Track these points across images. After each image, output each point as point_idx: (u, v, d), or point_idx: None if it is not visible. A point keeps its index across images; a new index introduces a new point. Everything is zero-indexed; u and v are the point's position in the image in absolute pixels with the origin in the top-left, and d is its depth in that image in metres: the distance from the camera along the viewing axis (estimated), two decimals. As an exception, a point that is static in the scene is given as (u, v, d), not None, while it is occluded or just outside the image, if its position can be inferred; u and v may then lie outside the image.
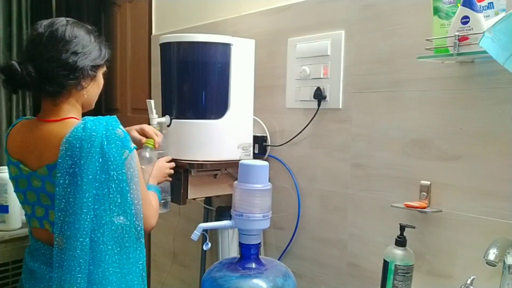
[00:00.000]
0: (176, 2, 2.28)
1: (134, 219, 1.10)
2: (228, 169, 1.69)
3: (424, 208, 1.23)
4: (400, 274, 1.21)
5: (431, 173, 1.26)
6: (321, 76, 1.52)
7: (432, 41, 1.14)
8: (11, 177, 1.18)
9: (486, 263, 1.00)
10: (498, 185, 1.13)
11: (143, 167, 1.32)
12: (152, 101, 1.55)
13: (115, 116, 1.11)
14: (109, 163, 1.05)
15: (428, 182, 1.26)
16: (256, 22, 1.77)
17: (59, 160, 1.04)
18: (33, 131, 1.13)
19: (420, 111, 1.28)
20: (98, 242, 1.05)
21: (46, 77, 1.07)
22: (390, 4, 1.34)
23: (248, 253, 1.41)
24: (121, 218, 1.07)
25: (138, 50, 2.55)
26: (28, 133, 1.15)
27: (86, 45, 1.12)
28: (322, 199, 1.56)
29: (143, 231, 1.13)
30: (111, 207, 1.06)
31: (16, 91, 1.13)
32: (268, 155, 1.73)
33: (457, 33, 1.05)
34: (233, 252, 1.76)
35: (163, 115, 1.62)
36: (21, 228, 1.91)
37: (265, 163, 1.43)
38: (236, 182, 1.42)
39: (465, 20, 1.04)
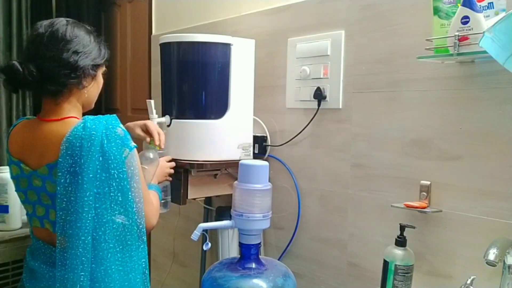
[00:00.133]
0: (176, 2, 2.28)
1: (136, 217, 1.10)
2: (228, 169, 1.69)
3: (424, 208, 1.23)
4: (400, 274, 1.21)
5: (431, 173, 1.26)
6: (321, 76, 1.52)
7: (432, 41, 1.15)
8: (12, 177, 1.18)
9: (486, 263, 1.00)
10: (498, 185, 1.13)
11: (146, 167, 1.32)
12: (152, 101, 1.55)
13: (115, 115, 1.12)
14: (110, 161, 1.05)
15: (428, 182, 1.26)
16: (256, 22, 1.77)
17: (60, 160, 1.04)
18: (34, 131, 1.13)
19: (420, 111, 1.28)
20: (100, 240, 1.05)
21: (47, 77, 1.08)
22: (390, 4, 1.34)
23: (248, 253, 1.41)
24: (122, 217, 1.08)
25: (138, 50, 2.55)
26: (29, 132, 1.15)
27: (86, 45, 1.13)
28: (322, 199, 1.56)
29: (144, 230, 1.13)
30: (112, 205, 1.06)
31: (17, 91, 1.13)
32: (268, 155, 1.73)
33: (457, 33, 1.05)
34: (233, 252, 1.76)
35: (163, 115, 1.62)
36: (21, 228, 1.91)
37: (265, 163, 1.43)
38: (236, 182, 1.42)
39: (465, 20, 1.04)
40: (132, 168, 1.08)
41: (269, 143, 1.73)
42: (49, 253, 1.13)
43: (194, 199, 1.71)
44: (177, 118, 1.59)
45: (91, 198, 1.03)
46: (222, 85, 1.58)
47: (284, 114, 1.68)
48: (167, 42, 1.61)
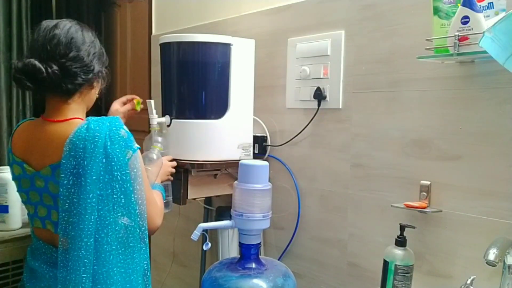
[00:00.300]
0: (176, 2, 2.28)
1: (138, 219, 1.10)
2: (228, 169, 1.69)
3: (424, 208, 1.23)
4: (400, 274, 1.21)
5: (431, 173, 1.26)
6: (321, 76, 1.52)
7: (432, 41, 1.14)
8: (14, 177, 1.18)
9: (486, 263, 1.00)
10: (498, 185, 1.13)
11: (149, 168, 1.33)
12: (152, 101, 1.55)
13: (118, 116, 1.13)
14: (113, 163, 1.05)
15: (428, 182, 1.26)
16: (256, 22, 1.77)
17: (63, 161, 1.04)
18: (38, 131, 1.14)
19: (420, 111, 1.28)
20: (102, 242, 1.05)
21: (67, 76, 1.10)
22: (390, 4, 1.34)
23: (248, 253, 1.41)
24: (125, 218, 1.08)
25: (138, 50, 2.55)
26: (33, 133, 1.15)
27: (98, 47, 1.18)
28: (322, 199, 1.56)
29: (147, 231, 1.13)
30: (115, 207, 1.07)
31: (34, 90, 1.13)
32: (268, 155, 1.73)
33: (457, 33, 1.05)
34: (233, 252, 1.76)
35: (163, 115, 1.62)
36: (21, 228, 1.91)
37: (265, 163, 1.43)
38: (236, 182, 1.42)
39: (465, 20, 1.04)
40: (135, 170, 1.09)
41: (269, 143, 1.73)
42: (50, 253, 1.13)
43: (194, 199, 1.71)
44: (177, 118, 1.59)
45: (94, 200, 1.04)
46: (222, 85, 1.58)
47: (284, 114, 1.68)
48: (167, 42, 1.61)
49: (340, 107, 1.49)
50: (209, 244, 1.43)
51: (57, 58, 1.08)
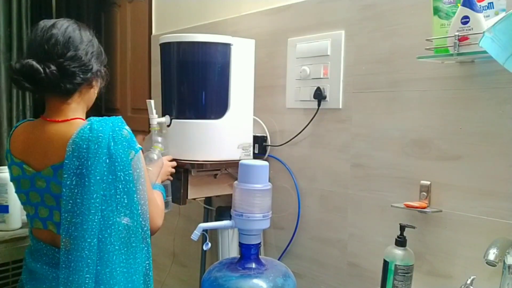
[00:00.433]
0: (176, 2, 2.28)
1: (141, 219, 1.10)
2: (228, 169, 1.69)
3: (424, 208, 1.23)
4: (400, 274, 1.21)
5: (431, 173, 1.26)
6: (321, 76, 1.52)
7: (432, 41, 1.14)
8: (12, 178, 1.17)
9: (486, 263, 1.00)
10: (498, 185, 1.13)
11: (150, 168, 1.33)
12: (152, 101, 1.55)
13: (120, 116, 1.13)
14: (116, 163, 1.05)
15: (428, 182, 1.26)
16: (256, 22, 1.77)
17: (66, 161, 1.04)
18: (38, 131, 1.13)
19: (420, 111, 1.28)
20: (106, 242, 1.05)
21: (66, 76, 1.09)
22: (390, 4, 1.34)
23: (248, 253, 1.41)
24: (126, 219, 1.08)
25: (138, 50, 2.55)
26: (32, 133, 1.15)
27: (96, 46, 1.17)
28: (322, 199, 1.56)
29: (149, 231, 1.13)
30: (118, 207, 1.07)
31: (33, 90, 1.12)
32: (268, 155, 1.73)
33: (457, 33, 1.05)
34: (233, 252, 1.76)
35: (163, 115, 1.62)
36: (21, 228, 1.91)
37: (265, 163, 1.43)
38: (236, 182, 1.42)
39: (465, 20, 1.04)
40: (138, 170, 1.09)
41: (269, 143, 1.73)
42: (51, 254, 1.12)
43: (194, 199, 1.71)
44: (177, 118, 1.59)
45: (98, 200, 1.03)
46: (222, 85, 1.58)
47: (284, 114, 1.68)
48: (167, 42, 1.61)
49: (340, 107, 1.49)
50: (209, 244, 1.43)
51: (55, 58, 1.08)
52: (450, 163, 1.22)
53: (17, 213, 1.89)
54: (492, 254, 0.99)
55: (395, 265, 1.21)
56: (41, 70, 1.06)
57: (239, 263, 1.41)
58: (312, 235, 1.60)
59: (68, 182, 1.03)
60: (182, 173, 1.59)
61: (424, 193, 1.26)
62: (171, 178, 1.52)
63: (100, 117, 1.09)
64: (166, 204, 1.51)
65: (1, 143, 2.58)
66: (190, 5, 2.16)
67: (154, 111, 1.54)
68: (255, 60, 1.65)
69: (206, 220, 1.94)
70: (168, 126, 1.60)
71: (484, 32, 0.96)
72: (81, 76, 1.11)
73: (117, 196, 1.06)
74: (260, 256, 1.45)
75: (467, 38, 1.04)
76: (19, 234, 1.87)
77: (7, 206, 1.86)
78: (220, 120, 1.58)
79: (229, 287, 1.33)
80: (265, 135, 1.73)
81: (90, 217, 1.03)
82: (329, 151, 1.53)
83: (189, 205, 1.70)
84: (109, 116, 1.11)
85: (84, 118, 1.15)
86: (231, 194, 1.44)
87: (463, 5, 1.04)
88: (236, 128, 1.61)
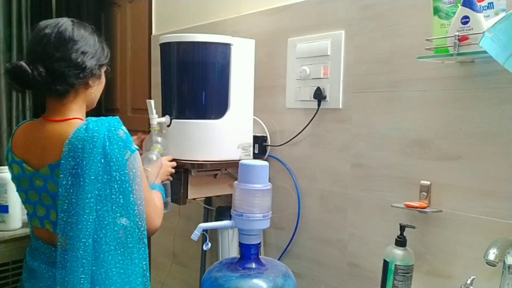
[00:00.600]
0: (176, 2, 2.28)
1: (137, 219, 1.10)
2: (228, 169, 1.69)
3: (424, 208, 1.23)
4: (400, 274, 1.21)
5: (431, 173, 1.26)
6: (321, 76, 1.52)
7: (432, 41, 1.14)
8: (13, 177, 1.18)
9: (486, 263, 1.00)
10: (498, 185, 1.13)
11: (149, 169, 1.32)
12: (152, 101, 1.55)
13: (117, 117, 1.12)
14: (111, 163, 1.05)
15: (428, 182, 1.26)
16: (256, 22, 1.77)
17: (62, 161, 1.04)
18: (38, 130, 1.14)
19: (420, 111, 1.28)
20: (101, 242, 1.05)
21: (56, 77, 1.08)
22: (390, 4, 1.34)
23: (248, 253, 1.41)
24: (124, 219, 1.07)
25: (138, 50, 2.55)
26: (33, 132, 1.15)
27: (92, 45, 1.15)
28: (322, 199, 1.56)
29: (146, 232, 1.13)
30: (114, 207, 1.06)
31: (24, 91, 1.13)
32: (268, 155, 1.73)
33: (457, 33, 1.05)
34: (233, 252, 1.76)
35: (163, 115, 1.61)
36: (21, 228, 1.91)
37: (265, 163, 1.43)
38: (236, 182, 1.42)
39: (465, 20, 1.04)
40: (134, 171, 1.08)
41: (269, 143, 1.73)
42: (49, 253, 1.13)
43: (194, 199, 1.71)
44: (177, 118, 1.59)
45: (92, 200, 1.03)
46: (222, 85, 1.58)
47: (284, 114, 1.68)
48: (167, 42, 1.61)
49: (340, 107, 1.49)
50: (209, 244, 1.43)
51: (45, 59, 1.07)
52: (450, 163, 1.22)
53: (17, 213, 1.90)
54: (492, 254, 0.99)
55: (395, 265, 1.21)
56: (29, 71, 1.05)
57: (239, 263, 1.41)
58: (312, 235, 1.60)
59: (64, 182, 1.04)
60: (182, 173, 1.59)
61: (424, 193, 1.26)
62: (171, 178, 1.52)
63: (98, 118, 1.09)
64: (166, 205, 1.51)
65: (1, 143, 2.58)
66: (190, 5, 2.16)
67: (154, 111, 1.54)
68: (255, 60, 1.65)
69: (206, 220, 1.94)
70: (168, 126, 1.60)
71: (484, 32, 0.96)
72: (73, 76, 1.10)
73: (113, 196, 1.06)
74: (260, 256, 1.45)
75: (467, 38, 1.04)
76: (18, 234, 1.87)
77: (6, 206, 1.86)
78: (220, 120, 1.58)
79: (229, 287, 1.33)
80: (265, 135, 1.73)
81: (85, 217, 1.03)
82: (329, 151, 1.53)
83: (189, 205, 1.70)
84: (108, 116, 1.11)
85: (83, 118, 1.15)
86: (231, 194, 1.44)
87: (463, 5, 1.04)
88: (236, 128, 1.61)
